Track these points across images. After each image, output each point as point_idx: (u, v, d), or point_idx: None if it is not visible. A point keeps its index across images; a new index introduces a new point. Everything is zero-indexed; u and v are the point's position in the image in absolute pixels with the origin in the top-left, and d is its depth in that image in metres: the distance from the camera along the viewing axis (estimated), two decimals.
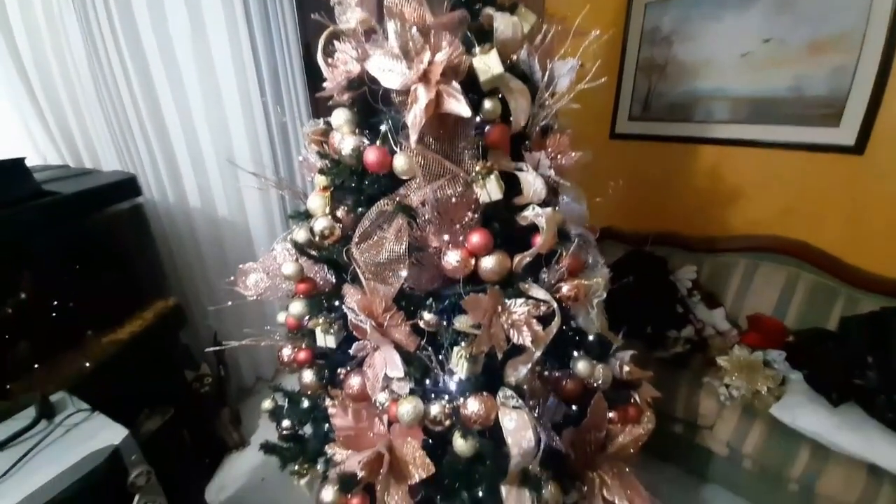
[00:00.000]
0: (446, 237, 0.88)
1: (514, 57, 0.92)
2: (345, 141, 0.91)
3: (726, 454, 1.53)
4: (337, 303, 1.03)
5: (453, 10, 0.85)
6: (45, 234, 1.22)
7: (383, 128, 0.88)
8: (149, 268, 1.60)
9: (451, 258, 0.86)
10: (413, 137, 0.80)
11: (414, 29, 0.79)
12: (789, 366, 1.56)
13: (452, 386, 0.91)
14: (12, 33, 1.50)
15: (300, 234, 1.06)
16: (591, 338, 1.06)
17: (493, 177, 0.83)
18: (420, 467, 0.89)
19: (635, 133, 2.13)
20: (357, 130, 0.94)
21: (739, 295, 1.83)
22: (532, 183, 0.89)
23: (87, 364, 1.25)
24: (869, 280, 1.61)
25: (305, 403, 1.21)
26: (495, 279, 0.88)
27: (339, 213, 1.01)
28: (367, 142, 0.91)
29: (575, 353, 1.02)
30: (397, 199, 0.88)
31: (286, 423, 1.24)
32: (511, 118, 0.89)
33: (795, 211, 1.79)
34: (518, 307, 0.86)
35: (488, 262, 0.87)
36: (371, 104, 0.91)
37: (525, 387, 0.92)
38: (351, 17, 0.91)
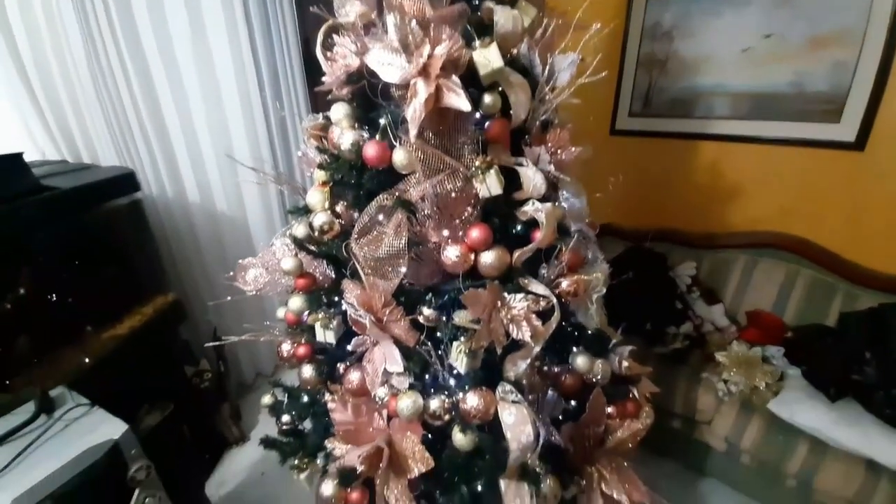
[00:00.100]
0: (446, 232, 0.88)
1: (515, 51, 0.92)
2: (344, 136, 0.91)
3: (724, 449, 1.54)
4: (336, 298, 1.03)
5: (453, 3, 0.85)
6: (43, 229, 1.22)
7: (383, 122, 0.88)
8: (148, 263, 1.60)
9: (451, 253, 0.86)
10: (412, 132, 0.80)
11: (413, 22, 0.78)
12: (788, 361, 1.56)
13: (452, 381, 0.91)
14: (12, 31, 1.50)
15: (299, 230, 1.05)
16: (590, 333, 1.06)
17: (492, 171, 0.82)
18: (419, 461, 0.89)
19: (635, 129, 2.12)
20: (356, 125, 0.93)
21: (739, 291, 1.83)
22: (532, 178, 0.89)
23: (87, 360, 1.25)
24: (868, 276, 1.61)
25: (305, 398, 1.21)
26: (495, 274, 0.88)
27: (339, 208, 1.01)
28: (366, 136, 0.91)
29: (574, 349, 1.03)
30: (397, 194, 0.88)
31: (286, 417, 1.24)
32: (511, 113, 0.88)
33: (795, 207, 1.79)
34: (517, 302, 0.86)
35: (488, 258, 0.87)
36: (370, 98, 0.90)
37: (524, 382, 0.93)
38: (350, 10, 0.91)
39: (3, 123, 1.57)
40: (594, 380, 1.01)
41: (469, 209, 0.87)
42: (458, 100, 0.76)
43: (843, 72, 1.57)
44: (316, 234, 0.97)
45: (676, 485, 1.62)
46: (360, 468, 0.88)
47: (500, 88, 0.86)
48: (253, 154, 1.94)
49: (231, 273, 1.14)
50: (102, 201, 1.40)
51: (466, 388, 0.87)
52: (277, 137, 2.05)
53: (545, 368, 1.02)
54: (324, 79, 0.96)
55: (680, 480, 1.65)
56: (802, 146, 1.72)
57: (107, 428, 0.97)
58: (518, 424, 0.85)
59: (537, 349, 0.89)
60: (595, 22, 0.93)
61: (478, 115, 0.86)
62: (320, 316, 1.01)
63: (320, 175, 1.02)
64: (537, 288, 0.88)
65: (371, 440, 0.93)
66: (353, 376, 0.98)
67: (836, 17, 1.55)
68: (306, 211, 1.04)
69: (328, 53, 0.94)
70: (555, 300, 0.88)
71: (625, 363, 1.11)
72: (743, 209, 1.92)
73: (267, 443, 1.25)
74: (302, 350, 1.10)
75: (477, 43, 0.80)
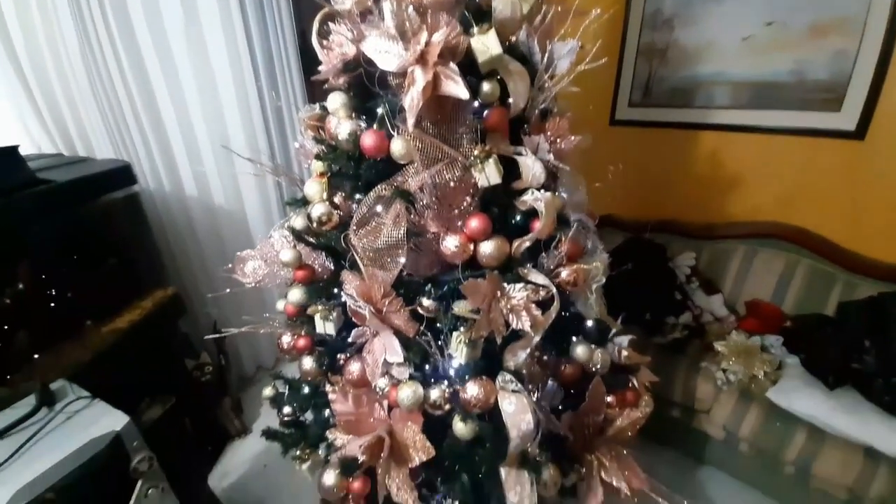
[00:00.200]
0: (445, 222, 0.87)
1: (513, 38, 0.91)
2: (341, 125, 0.90)
3: (723, 437, 1.55)
4: (336, 290, 1.03)
5: None
6: (40, 222, 1.21)
7: (380, 111, 0.87)
8: (146, 257, 1.60)
9: (450, 243, 0.86)
10: (410, 121, 0.79)
11: (410, 8, 0.77)
12: (786, 350, 1.57)
13: (452, 371, 0.91)
14: (6, 25, 1.48)
15: (298, 221, 1.05)
16: (589, 323, 1.06)
17: (491, 161, 0.82)
18: (420, 450, 0.90)
19: (635, 119, 2.11)
20: (353, 114, 0.92)
21: (738, 281, 1.83)
22: (531, 167, 0.88)
23: (87, 354, 1.25)
24: (867, 265, 1.61)
25: (306, 390, 1.21)
26: (494, 264, 0.87)
27: (337, 199, 1.00)
28: (364, 126, 0.90)
29: (574, 338, 1.03)
30: (395, 184, 0.87)
31: (287, 409, 1.25)
32: (510, 101, 0.87)
33: (795, 197, 1.78)
34: (517, 292, 0.86)
35: (487, 248, 0.86)
36: (368, 87, 0.90)
37: (524, 371, 0.93)
38: None
39: None
40: (594, 369, 1.02)
41: (468, 199, 0.87)
42: (456, 87, 0.76)
43: (843, 60, 1.56)
44: (314, 225, 0.96)
45: (675, 472, 1.64)
46: (361, 458, 0.89)
47: (499, 76, 0.85)
48: (250, 145, 1.93)
49: (230, 265, 1.14)
50: (99, 194, 1.39)
51: (466, 377, 0.87)
52: (274, 128, 2.03)
53: (545, 358, 1.02)
54: (320, 68, 0.95)
55: (679, 468, 1.66)
56: (803, 135, 1.71)
57: (108, 420, 0.97)
58: (518, 413, 0.85)
59: (537, 339, 0.89)
60: (595, 8, 0.91)
61: (476, 103, 0.85)
62: (320, 307, 1.01)
63: (318, 166, 1.01)
64: (537, 278, 0.88)
65: (372, 430, 0.94)
66: (354, 367, 0.98)
67: (837, 5, 1.53)
68: (304, 202, 1.03)
69: (324, 42, 0.93)
70: (554, 290, 0.87)
71: (624, 352, 1.11)
72: (742, 199, 1.91)
73: (269, 434, 1.26)
74: (302, 342, 1.10)
75: (475, 29, 0.79)
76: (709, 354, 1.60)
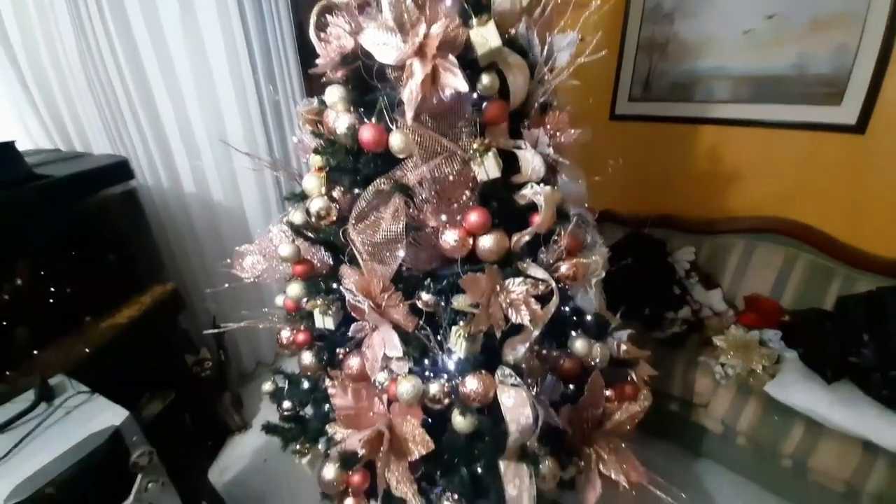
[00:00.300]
0: (444, 216, 0.87)
1: (513, 31, 0.90)
2: (339, 119, 0.89)
3: (721, 431, 1.56)
4: (335, 284, 1.03)
5: None
6: (38, 218, 1.20)
7: (379, 105, 0.86)
8: (145, 252, 1.59)
9: (449, 237, 0.86)
10: (409, 114, 0.78)
11: (409, 0, 0.76)
12: (784, 345, 1.58)
13: (451, 365, 0.91)
14: (2, 20, 1.47)
15: (296, 216, 1.04)
16: (588, 317, 1.06)
17: (490, 154, 0.81)
18: (420, 444, 0.90)
19: (635, 114, 2.10)
20: (352, 108, 0.92)
21: (737, 276, 1.83)
22: (530, 161, 0.88)
23: (87, 350, 1.25)
24: (866, 260, 1.61)
25: (305, 385, 1.22)
26: (493, 258, 0.87)
27: (336, 193, 1.00)
28: (363, 119, 0.90)
29: (573, 333, 1.03)
30: (394, 178, 0.87)
31: (287, 404, 1.25)
32: (509, 94, 0.87)
33: (794, 191, 1.78)
34: (516, 286, 0.86)
35: (486, 242, 0.86)
36: (366, 81, 0.89)
37: (523, 366, 0.93)
38: None
39: None
40: (593, 363, 1.02)
41: (467, 193, 0.86)
42: (455, 80, 0.75)
43: (844, 54, 1.55)
44: (313, 219, 0.96)
45: (673, 465, 1.65)
46: (361, 452, 0.89)
47: (498, 69, 0.84)
48: (247, 140, 1.92)
49: (228, 260, 1.13)
50: (96, 190, 1.38)
51: (466, 372, 0.87)
52: (272, 123, 2.02)
53: (544, 352, 1.02)
54: (318, 61, 0.94)
55: (677, 461, 1.67)
56: (803, 129, 1.70)
57: (107, 415, 0.97)
58: (517, 407, 0.85)
59: (536, 333, 0.89)
60: (594, 0, 0.91)
61: (475, 96, 0.84)
62: (319, 302, 1.01)
63: (316, 160, 1.01)
64: (536, 272, 0.88)
65: (371, 424, 0.94)
66: (353, 362, 0.98)
67: None
68: (303, 197, 1.03)
69: (322, 34, 0.92)
70: (554, 284, 0.87)
71: (623, 347, 1.11)
72: (742, 194, 1.91)
73: (268, 429, 1.26)
74: (301, 337, 1.10)
75: (474, 21, 0.78)
76: (707, 349, 1.61)
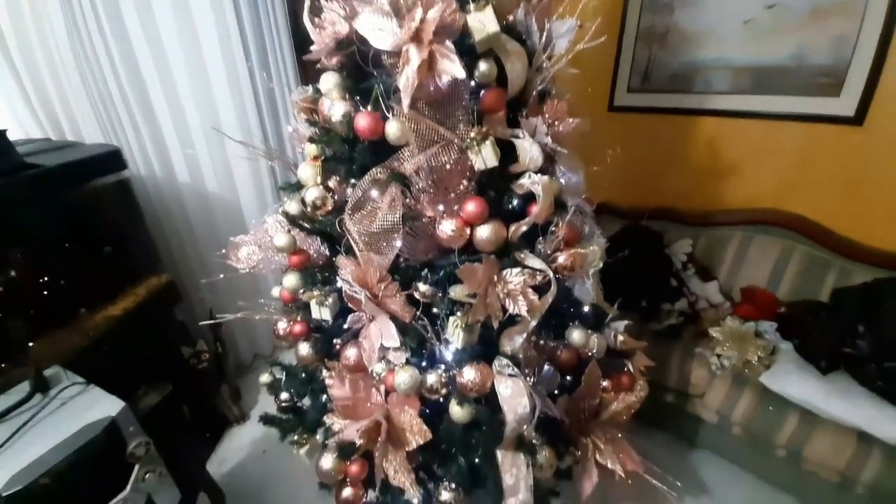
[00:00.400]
0: (441, 206, 0.86)
1: (511, 17, 0.89)
2: (334, 107, 0.88)
3: (716, 421, 1.57)
4: (331, 275, 1.02)
5: None
6: (30, 208, 1.19)
7: (375, 92, 0.85)
8: (139, 243, 1.58)
9: (446, 227, 0.85)
10: (405, 102, 0.77)
11: None
12: (780, 336, 1.58)
13: (448, 355, 0.91)
14: None
15: (292, 206, 1.04)
16: (586, 308, 1.06)
17: (488, 143, 0.80)
18: (417, 434, 0.90)
19: (634, 105, 2.09)
20: (347, 96, 0.90)
21: (734, 268, 1.84)
22: (528, 150, 0.87)
23: (82, 341, 1.24)
24: (863, 252, 1.62)
25: (303, 376, 1.21)
26: (491, 249, 0.87)
27: (332, 183, 0.99)
28: (358, 107, 0.88)
29: (570, 323, 1.03)
30: (390, 167, 0.86)
31: (284, 395, 1.25)
32: (507, 82, 0.86)
33: (792, 183, 1.78)
34: (514, 277, 0.86)
35: (484, 232, 0.85)
36: (361, 67, 0.87)
37: (521, 356, 0.93)
38: None
39: None
40: (590, 354, 1.02)
41: (464, 182, 0.86)
42: (452, 66, 0.74)
43: (844, 45, 1.54)
44: (309, 209, 0.95)
45: (669, 455, 1.66)
46: (358, 442, 0.89)
47: (496, 56, 0.83)
48: (242, 129, 1.89)
49: (223, 251, 1.12)
50: (88, 179, 1.36)
51: (463, 362, 0.87)
52: (267, 112, 1.99)
53: (541, 343, 1.02)
54: (312, 47, 0.92)
55: (672, 451, 1.69)
56: (801, 121, 1.70)
57: (103, 406, 0.96)
58: (514, 397, 0.85)
59: (534, 323, 0.89)
60: None
61: (472, 84, 0.83)
62: (315, 293, 1.00)
63: (312, 149, 0.99)
64: (534, 262, 0.88)
65: (369, 415, 0.94)
66: (350, 352, 0.98)
67: None
68: (298, 186, 1.02)
69: (316, 20, 0.90)
70: (551, 274, 0.87)
71: (620, 337, 1.12)
72: (739, 186, 1.91)
73: (266, 420, 1.26)
74: (298, 328, 1.10)
75: (472, 6, 0.77)
76: (703, 340, 1.62)
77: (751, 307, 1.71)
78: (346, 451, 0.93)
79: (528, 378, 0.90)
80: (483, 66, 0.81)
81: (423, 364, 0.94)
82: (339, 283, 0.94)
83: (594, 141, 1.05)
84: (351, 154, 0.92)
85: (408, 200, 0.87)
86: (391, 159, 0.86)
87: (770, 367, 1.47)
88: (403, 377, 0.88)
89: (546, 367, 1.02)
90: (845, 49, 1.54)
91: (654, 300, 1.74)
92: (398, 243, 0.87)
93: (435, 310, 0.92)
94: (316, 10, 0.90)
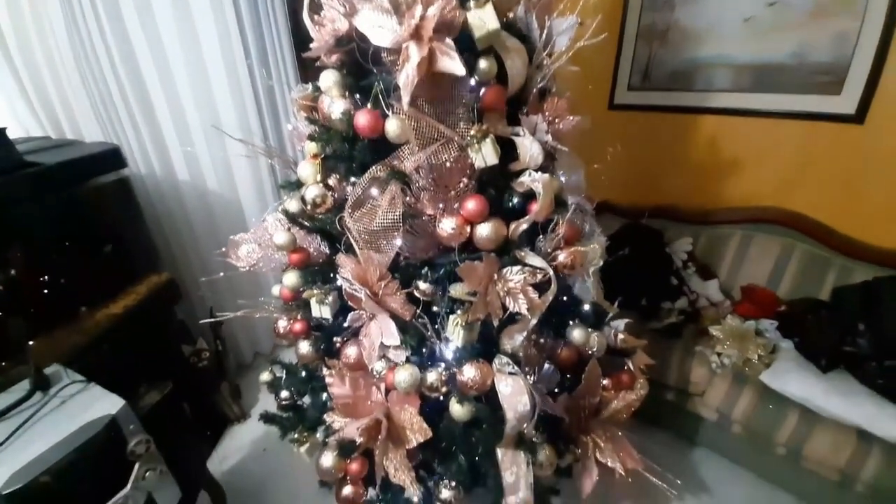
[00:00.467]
0: (441, 204, 0.86)
1: (511, 14, 0.88)
2: (334, 105, 0.87)
3: (716, 420, 1.57)
4: (331, 273, 1.02)
5: None
6: (30, 206, 1.19)
7: (374, 90, 0.85)
8: (139, 242, 1.58)
9: (446, 225, 0.85)
10: (405, 99, 0.77)
11: None
12: (780, 335, 1.58)
13: (449, 354, 0.91)
14: None
15: (292, 204, 1.04)
16: (586, 306, 1.06)
17: (488, 140, 0.80)
18: (417, 432, 0.90)
19: (634, 104, 2.08)
20: (347, 94, 0.90)
21: (734, 266, 1.84)
22: (529, 148, 0.87)
23: (82, 340, 1.24)
24: (863, 250, 1.62)
25: (303, 374, 1.21)
26: (491, 247, 0.87)
27: (331, 181, 0.98)
28: (358, 105, 0.88)
29: (570, 322, 1.03)
30: (390, 165, 0.86)
31: (285, 393, 1.25)
32: (507, 79, 0.85)
33: (793, 181, 1.77)
34: (514, 275, 0.86)
35: (484, 230, 0.85)
36: (361, 65, 0.87)
37: (521, 354, 0.93)
38: None
39: None
40: (590, 352, 1.02)
41: (464, 180, 0.85)
42: (452, 63, 0.74)
43: (845, 42, 1.54)
44: (309, 207, 0.95)
45: (669, 453, 1.66)
46: (359, 440, 0.89)
47: (496, 54, 0.83)
48: (242, 127, 1.89)
49: (223, 249, 1.12)
50: (88, 178, 1.36)
51: (463, 360, 0.87)
52: (266, 109, 1.99)
53: (542, 341, 1.02)
54: (311, 45, 0.92)
55: (672, 449, 1.69)
56: (802, 119, 1.69)
57: (104, 404, 0.96)
58: (515, 395, 0.85)
59: (534, 322, 0.89)
60: None
61: (473, 81, 0.83)
62: (315, 291, 1.01)
63: (311, 147, 0.99)
64: (534, 260, 0.87)
65: (369, 413, 0.94)
66: (351, 351, 0.98)
67: None
68: (298, 185, 1.02)
69: (316, 17, 0.90)
70: (552, 273, 0.87)
71: (620, 336, 1.12)
72: (740, 184, 1.90)
73: (267, 418, 1.26)
74: (298, 326, 1.10)
75: (472, 3, 0.76)
76: (704, 338, 1.62)
77: (751, 305, 1.71)
78: (346, 449, 0.93)
79: (528, 376, 0.90)
80: (483, 63, 0.80)
81: (424, 362, 0.94)
82: (339, 282, 0.94)
83: (594, 139, 1.05)
84: (351, 152, 0.91)
85: (408, 198, 0.86)
86: (391, 157, 0.86)
87: (770, 365, 1.47)
88: (404, 375, 0.88)
89: (546, 365, 1.02)
90: (846, 47, 1.54)
91: (655, 298, 1.74)
92: (398, 241, 0.87)
93: (435, 308, 0.91)
94: (315, 8, 0.89)
